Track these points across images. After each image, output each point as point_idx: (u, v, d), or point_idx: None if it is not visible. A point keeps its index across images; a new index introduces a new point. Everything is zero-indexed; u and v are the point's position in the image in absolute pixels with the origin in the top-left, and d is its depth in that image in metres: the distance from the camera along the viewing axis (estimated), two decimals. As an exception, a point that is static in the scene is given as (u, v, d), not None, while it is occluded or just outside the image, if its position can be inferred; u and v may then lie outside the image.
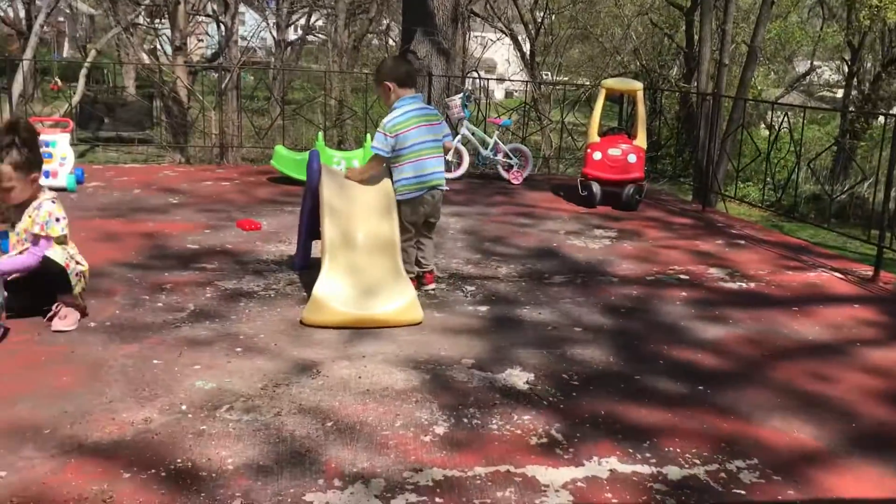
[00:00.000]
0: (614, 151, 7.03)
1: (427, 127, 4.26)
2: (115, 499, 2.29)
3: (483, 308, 4.14)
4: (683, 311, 4.27)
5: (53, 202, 3.61)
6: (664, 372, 3.45)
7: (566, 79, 22.22)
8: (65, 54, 31.19)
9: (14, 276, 3.55)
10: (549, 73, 22.81)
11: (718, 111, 8.47)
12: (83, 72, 16.56)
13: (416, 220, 4.31)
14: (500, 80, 20.45)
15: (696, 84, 14.52)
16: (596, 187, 6.91)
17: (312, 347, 3.50)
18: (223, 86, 12.95)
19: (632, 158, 6.98)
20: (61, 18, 29.27)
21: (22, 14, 23.53)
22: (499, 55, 27.08)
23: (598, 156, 7.02)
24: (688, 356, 3.65)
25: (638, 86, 7.43)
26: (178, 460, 2.52)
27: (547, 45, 20.92)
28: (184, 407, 2.88)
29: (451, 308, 4.13)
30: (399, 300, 3.80)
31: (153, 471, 2.45)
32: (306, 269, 4.57)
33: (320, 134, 7.44)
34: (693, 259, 5.42)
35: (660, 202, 7.65)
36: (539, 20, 20.69)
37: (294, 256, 4.79)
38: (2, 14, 23.61)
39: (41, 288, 3.59)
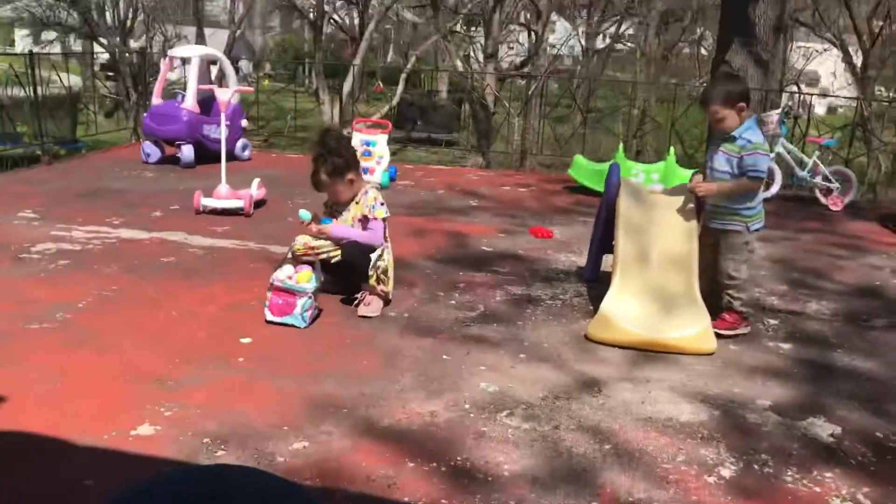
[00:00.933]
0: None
1: None
2: (398, 486, 2.41)
3: (785, 346, 3.77)
4: None
5: (378, 189, 3.97)
6: None
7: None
8: (388, 59, 34.09)
9: (335, 259, 3.94)
10: (884, 90, 20.40)
11: None
12: (403, 76, 17.95)
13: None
14: (824, 95, 18.66)
15: None
16: (934, 221, 6.02)
17: (596, 364, 3.43)
18: (529, 93, 13.29)
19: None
20: (388, 26, 31.98)
21: (356, 22, 26.07)
22: (823, 68, 24.80)
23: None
24: None
25: None
26: (458, 458, 2.59)
27: (884, 58, 18.72)
28: (467, 406, 2.96)
29: (748, 341, 3.82)
30: (692, 327, 3.59)
31: (434, 464, 2.54)
32: (595, 282, 4.50)
33: (621, 146, 7.32)
34: None
35: None
36: (877, 30, 18.58)
37: (584, 268, 4.75)
38: (339, 22, 26.37)
39: (349, 275, 3.93)
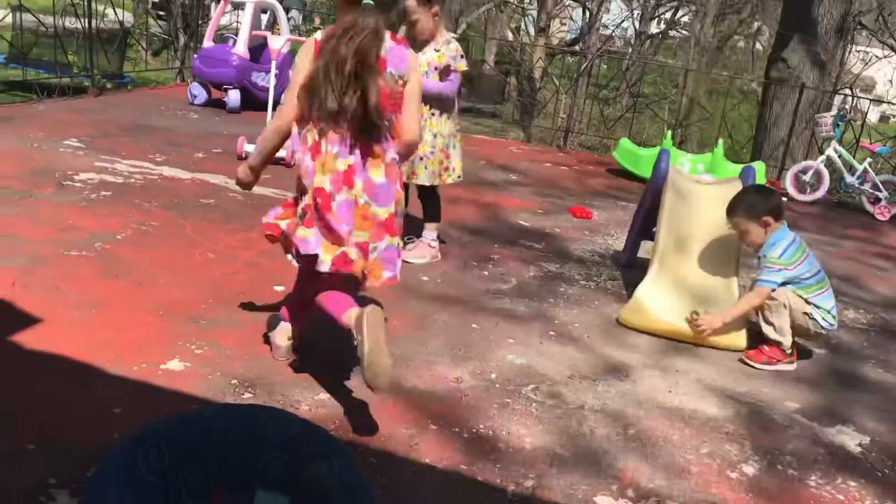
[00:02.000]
0: None
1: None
2: (419, 447, 2.41)
3: (819, 352, 3.71)
4: None
5: (458, 41, 3.94)
6: None
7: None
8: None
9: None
10: (941, 102, 19.86)
11: None
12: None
13: None
14: (880, 101, 18.23)
15: None
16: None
17: (625, 349, 3.40)
18: (578, 71, 13.11)
19: None
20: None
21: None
22: (881, 74, 24.17)
23: None
24: None
25: None
26: (481, 426, 2.59)
27: (945, 70, 18.21)
28: (493, 376, 2.96)
29: (781, 342, 3.76)
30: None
31: (456, 429, 2.55)
32: (631, 267, 4.46)
33: (668, 133, 7.21)
34: None
35: None
36: (941, 40, 18.05)
37: (621, 252, 4.70)
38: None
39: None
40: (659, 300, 3.62)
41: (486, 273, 4.11)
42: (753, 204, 3.56)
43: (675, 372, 3.25)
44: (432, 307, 3.54)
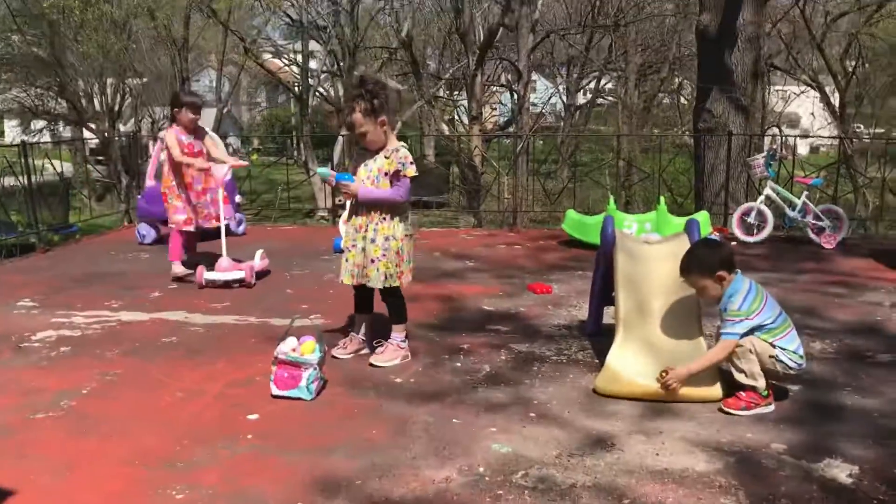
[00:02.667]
0: (951, 213, 6.16)
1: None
2: (418, 556, 2.36)
3: (794, 388, 3.76)
4: None
5: (407, 149, 4.02)
6: None
7: (884, 131, 20.09)
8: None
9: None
10: (862, 126, 20.77)
11: None
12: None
13: None
14: (805, 136, 18.99)
15: None
16: (927, 253, 6.08)
17: (606, 419, 3.41)
18: (516, 151, 13.48)
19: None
20: (403, 87, 32.58)
21: (341, 92, 26.52)
22: (802, 108, 25.27)
23: (929, 218, 6.19)
24: None
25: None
26: (476, 524, 2.55)
27: (859, 96, 19.12)
28: (481, 469, 2.93)
29: (756, 385, 3.80)
30: (699, 374, 3.58)
31: (452, 532, 2.50)
32: (598, 335, 4.50)
33: (612, 198, 7.39)
34: None
35: None
36: (850, 70, 19.04)
37: (586, 321, 4.75)
38: (324, 93, 26.84)
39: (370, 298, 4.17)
40: (630, 364, 3.65)
41: (458, 365, 4.12)
42: (704, 260, 3.61)
43: (660, 433, 3.25)
44: (409, 408, 3.52)
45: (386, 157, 3.97)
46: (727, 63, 10.09)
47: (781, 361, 3.50)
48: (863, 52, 18.67)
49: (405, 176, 3.97)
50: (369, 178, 3.97)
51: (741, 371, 3.47)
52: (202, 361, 4.16)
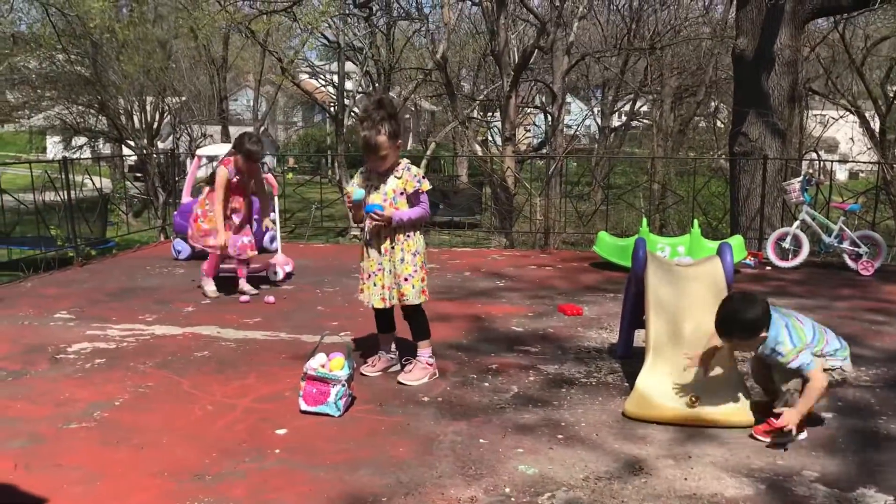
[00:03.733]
0: None
1: None
2: (441, 576, 2.35)
3: (828, 415, 3.69)
4: None
5: (410, 161, 4.09)
6: None
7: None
8: (408, 147, 34.84)
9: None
10: (903, 152, 20.43)
11: None
12: (423, 162, 18.33)
13: None
14: (844, 160, 18.73)
15: None
16: (969, 282, 5.95)
17: (635, 442, 3.37)
18: (549, 173, 13.47)
19: None
20: (407, 115, 32.84)
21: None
22: (841, 133, 24.95)
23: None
24: None
25: None
26: (501, 545, 2.53)
27: (900, 121, 18.85)
28: (507, 490, 2.92)
29: (789, 412, 3.74)
30: (730, 400, 3.53)
31: (477, 552, 2.49)
32: (629, 357, 4.46)
33: (644, 220, 7.35)
34: None
35: None
36: (892, 94, 18.77)
37: (616, 344, 4.72)
38: (359, 113, 27.18)
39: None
40: (660, 387, 3.61)
41: (486, 384, 4.10)
42: (747, 325, 3.34)
43: (689, 458, 3.21)
44: (437, 427, 3.51)
45: (398, 177, 4.00)
46: (764, 87, 10.01)
47: (834, 367, 3.42)
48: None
49: (423, 191, 4.02)
50: (386, 201, 3.98)
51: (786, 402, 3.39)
52: (233, 376, 4.20)
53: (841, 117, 21.61)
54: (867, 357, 4.63)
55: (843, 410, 3.75)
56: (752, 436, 3.41)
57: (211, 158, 8.48)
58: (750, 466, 3.13)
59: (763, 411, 3.47)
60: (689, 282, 4.03)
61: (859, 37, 17.77)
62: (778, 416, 3.36)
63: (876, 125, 18.87)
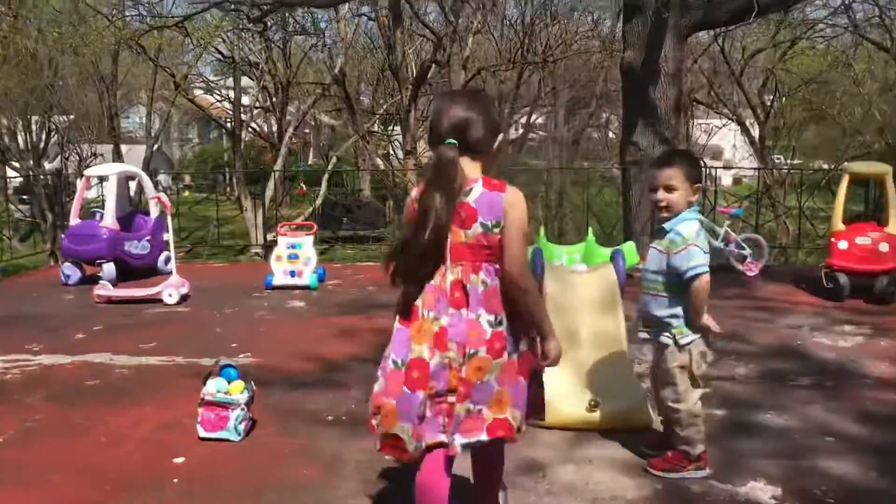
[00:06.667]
0: (863, 240, 6.45)
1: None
2: None
3: (719, 412, 3.86)
4: (960, 422, 3.72)
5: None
6: (941, 494, 3.00)
7: (801, 162, 20.96)
8: (310, 162, 34.45)
9: None
10: (782, 158, 21.63)
11: None
12: (325, 177, 18.18)
13: None
14: (728, 167, 19.64)
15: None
16: (843, 279, 6.34)
17: (537, 448, 3.43)
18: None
19: (884, 247, 6.38)
20: (307, 130, 32.48)
21: (274, 128, 26.39)
22: (725, 141, 26.20)
23: (844, 245, 6.47)
24: (970, 476, 3.15)
25: (886, 169, 6.82)
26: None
27: (778, 129, 19.93)
28: (413, 505, 2.91)
29: (682, 411, 3.88)
30: (627, 401, 3.65)
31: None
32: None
33: (541, 229, 7.50)
34: (967, 360, 4.75)
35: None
36: (768, 104, 19.84)
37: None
38: (257, 129, 26.65)
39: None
40: (559, 393, 3.69)
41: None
42: (695, 165, 3.13)
43: (589, 462, 3.29)
44: (342, 447, 3.48)
45: None
46: (651, 97, 10.39)
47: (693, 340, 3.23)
48: (779, 87, 19.48)
49: None
50: None
51: (681, 439, 3.12)
52: (127, 405, 4.04)
53: (724, 125, 22.71)
54: (753, 353, 4.87)
55: (732, 406, 3.93)
56: (646, 469, 3.18)
57: (102, 178, 8.17)
58: (648, 467, 3.23)
59: (660, 445, 3.29)
60: (584, 287, 4.15)
61: (738, 49, 18.70)
62: (675, 451, 3.15)
63: (756, 132, 19.89)
